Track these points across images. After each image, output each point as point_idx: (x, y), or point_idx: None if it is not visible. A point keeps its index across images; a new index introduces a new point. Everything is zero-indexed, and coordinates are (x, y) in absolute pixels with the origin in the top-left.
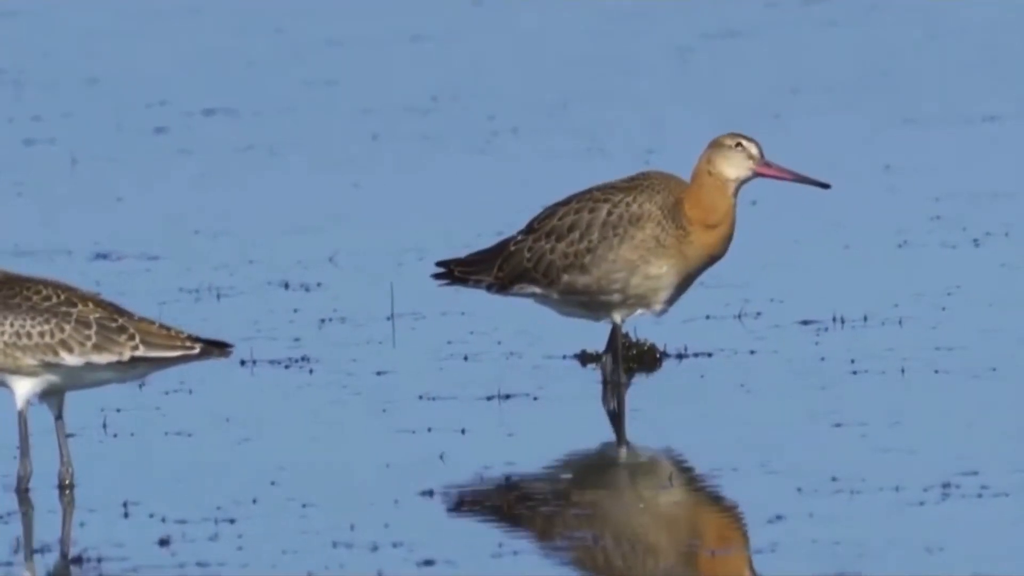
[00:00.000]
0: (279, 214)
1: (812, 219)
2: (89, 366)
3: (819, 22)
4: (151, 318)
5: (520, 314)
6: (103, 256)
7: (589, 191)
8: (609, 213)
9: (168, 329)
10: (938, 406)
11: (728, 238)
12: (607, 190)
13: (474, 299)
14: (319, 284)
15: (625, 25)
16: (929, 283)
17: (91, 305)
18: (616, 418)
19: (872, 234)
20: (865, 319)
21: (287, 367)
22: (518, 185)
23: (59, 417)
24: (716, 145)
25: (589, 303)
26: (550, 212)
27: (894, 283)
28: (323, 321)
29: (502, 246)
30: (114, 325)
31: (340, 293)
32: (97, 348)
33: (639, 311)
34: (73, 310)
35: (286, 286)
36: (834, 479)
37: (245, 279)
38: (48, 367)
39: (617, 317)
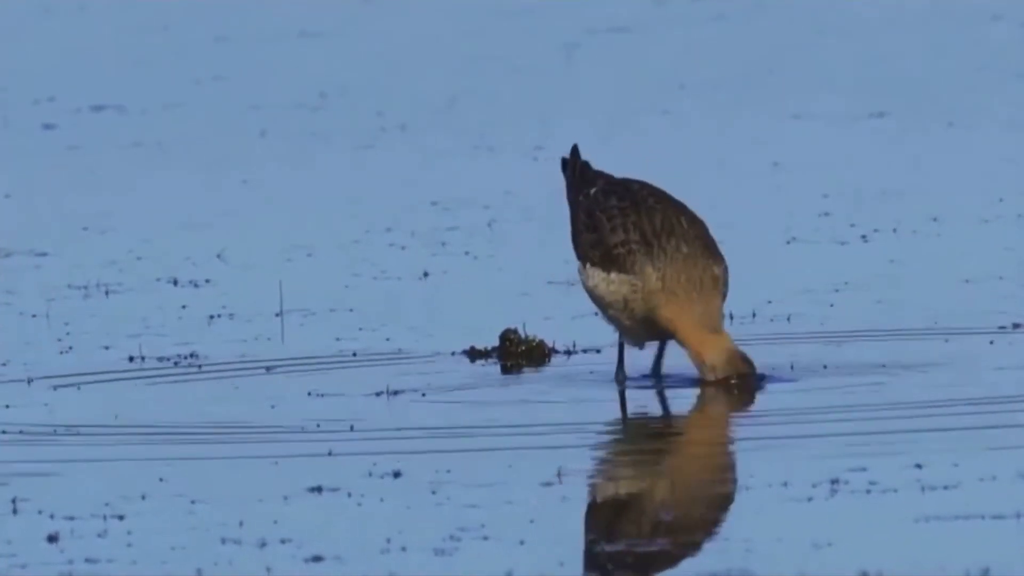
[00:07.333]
0: (168, 211)
1: (701, 215)
2: None
3: (707, 17)
4: None
5: (411, 311)
6: None
7: (636, 203)
8: (616, 247)
9: None
10: (826, 401)
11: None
12: (644, 223)
13: (363, 296)
14: (208, 281)
15: (512, 22)
16: (817, 279)
17: None
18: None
19: (760, 231)
20: (753, 315)
21: (176, 364)
22: (406, 182)
23: None
24: None
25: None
26: (607, 191)
27: (783, 279)
28: (212, 317)
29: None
30: None
31: (229, 290)
32: None
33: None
34: None
35: (175, 283)
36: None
37: (134, 276)
38: None
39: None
